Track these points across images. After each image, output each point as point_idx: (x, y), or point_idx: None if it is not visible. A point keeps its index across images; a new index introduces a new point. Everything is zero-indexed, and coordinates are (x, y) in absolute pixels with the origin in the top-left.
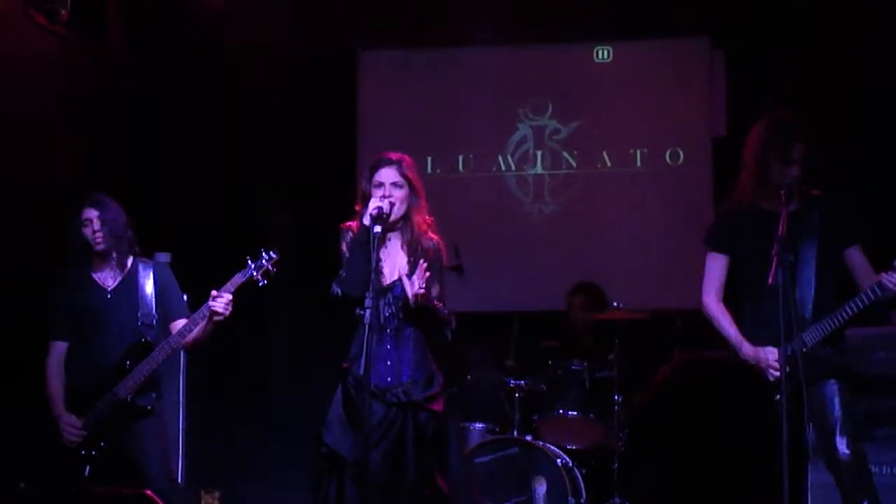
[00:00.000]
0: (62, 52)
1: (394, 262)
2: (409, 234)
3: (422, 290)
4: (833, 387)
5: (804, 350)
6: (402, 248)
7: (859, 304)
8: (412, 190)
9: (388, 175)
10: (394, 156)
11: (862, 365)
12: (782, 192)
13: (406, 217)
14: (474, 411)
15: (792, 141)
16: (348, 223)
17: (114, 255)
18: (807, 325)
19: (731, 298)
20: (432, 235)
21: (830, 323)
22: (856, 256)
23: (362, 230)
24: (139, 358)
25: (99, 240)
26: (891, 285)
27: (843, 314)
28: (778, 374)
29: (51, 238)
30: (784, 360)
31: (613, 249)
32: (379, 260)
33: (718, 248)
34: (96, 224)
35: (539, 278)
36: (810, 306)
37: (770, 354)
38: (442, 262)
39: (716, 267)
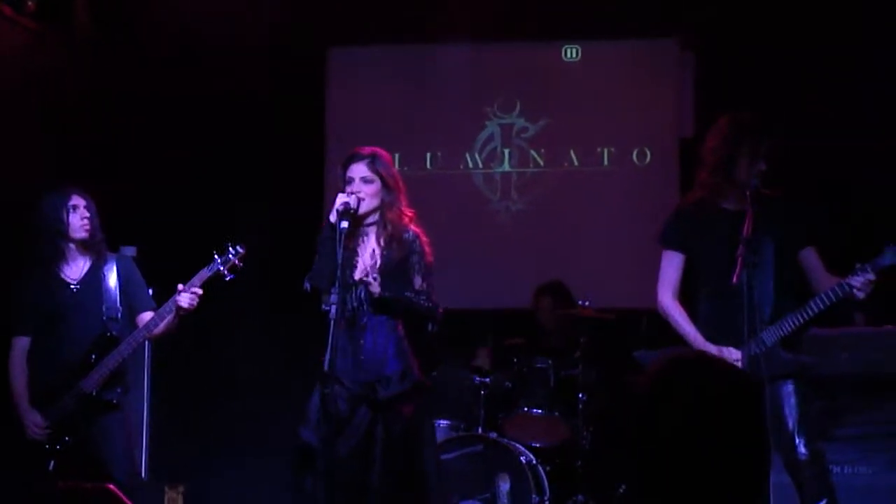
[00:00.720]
0: (30, 45)
1: (367, 256)
2: (383, 228)
3: (377, 290)
4: (789, 387)
5: (763, 350)
6: (376, 242)
7: (819, 304)
8: (385, 184)
9: (358, 170)
10: (365, 150)
11: (825, 365)
12: (748, 191)
13: (380, 211)
14: (439, 408)
15: (762, 138)
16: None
17: (88, 248)
18: (765, 325)
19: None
20: (413, 228)
21: (789, 323)
22: (811, 258)
23: (328, 225)
24: (104, 352)
25: (87, 226)
26: (855, 287)
27: (803, 315)
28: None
29: (9, 231)
30: (747, 360)
31: (580, 248)
32: (355, 255)
33: (674, 247)
34: (84, 211)
35: (505, 276)
36: (769, 307)
37: (732, 354)
38: (424, 254)
39: (672, 265)
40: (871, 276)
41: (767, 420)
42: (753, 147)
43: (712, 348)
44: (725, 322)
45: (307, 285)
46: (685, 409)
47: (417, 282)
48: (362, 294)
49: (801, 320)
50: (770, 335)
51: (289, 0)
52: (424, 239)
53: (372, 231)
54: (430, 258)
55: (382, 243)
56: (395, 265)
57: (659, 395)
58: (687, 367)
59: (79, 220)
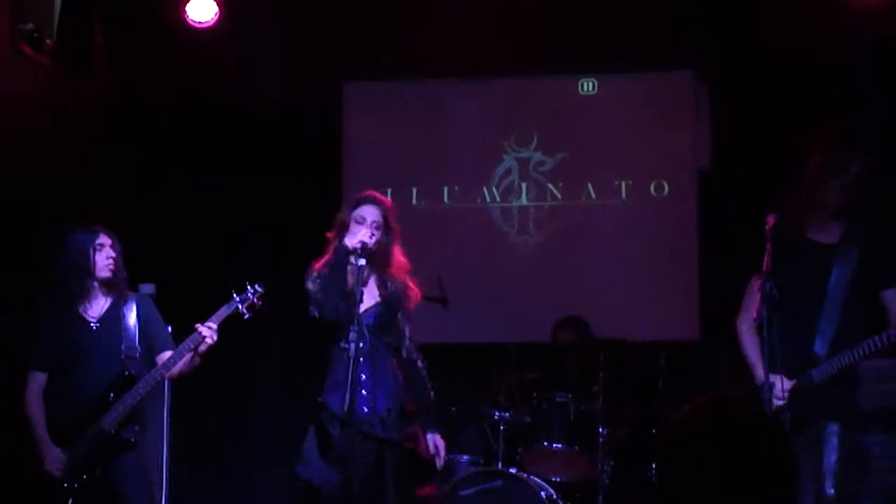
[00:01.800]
0: (48, 83)
1: (366, 292)
2: (383, 267)
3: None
4: (833, 427)
5: (810, 385)
6: (375, 280)
7: (871, 346)
8: (388, 233)
9: (372, 213)
10: (379, 197)
11: (863, 397)
12: (832, 213)
13: (381, 256)
14: (458, 443)
15: (852, 156)
16: (318, 265)
17: (110, 288)
18: (818, 361)
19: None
20: (404, 277)
21: (840, 361)
22: (892, 298)
23: (341, 252)
24: (122, 391)
25: (111, 265)
26: None
27: (854, 354)
28: (779, 402)
29: (34, 268)
30: (767, 391)
31: (598, 281)
32: (361, 292)
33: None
34: (110, 250)
35: (524, 310)
36: (828, 343)
37: (784, 384)
38: (412, 303)
39: (754, 292)
40: None
41: (797, 465)
42: (845, 163)
43: (761, 375)
44: (779, 350)
45: (315, 312)
46: (711, 451)
47: (407, 330)
48: (371, 321)
49: (852, 359)
50: (820, 372)
51: (304, 36)
52: (415, 287)
53: (373, 273)
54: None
55: (379, 284)
56: (393, 308)
57: (686, 437)
58: (716, 411)
59: (104, 259)
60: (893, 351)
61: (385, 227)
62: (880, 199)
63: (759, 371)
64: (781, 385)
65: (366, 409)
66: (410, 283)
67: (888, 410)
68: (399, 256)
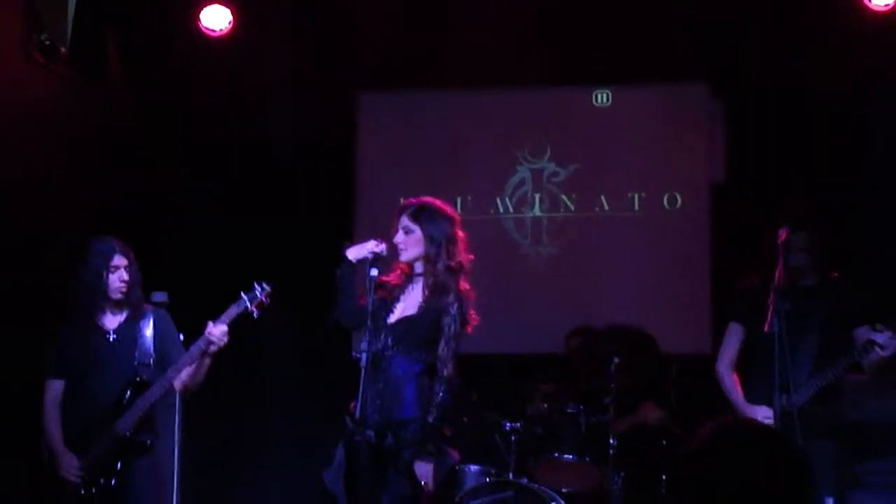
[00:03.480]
0: (63, 92)
1: (407, 301)
2: (429, 278)
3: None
4: (827, 444)
5: (798, 408)
6: (421, 291)
7: (843, 364)
8: (427, 235)
9: (401, 220)
10: (411, 201)
11: (855, 412)
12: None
13: (424, 262)
14: (470, 453)
15: (797, 230)
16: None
17: (124, 306)
18: (798, 388)
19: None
20: (463, 285)
21: (818, 381)
22: (861, 334)
23: (343, 264)
24: (136, 395)
25: (124, 289)
26: (877, 344)
27: (832, 373)
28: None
29: (48, 277)
30: (778, 413)
31: (610, 293)
32: (396, 301)
33: (738, 320)
34: (125, 274)
35: (536, 321)
36: (806, 372)
37: (759, 412)
38: (459, 320)
39: (733, 336)
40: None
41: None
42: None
43: (745, 408)
44: (758, 383)
45: (329, 323)
46: (735, 472)
47: (441, 346)
48: (390, 339)
49: (830, 378)
50: (800, 395)
51: (319, 45)
52: (469, 301)
53: (419, 281)
54: (468, 325)
55: (426, 294)
56: (428, 321)
57: (711, 456)
58: (738, 432)
59: (117, 281)
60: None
61: (420, 229)
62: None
63: (740, 402)
64: (770, 412)
65: (377, 418)
66: (463, 301)
67: (880, 425)
68: (448, 261)
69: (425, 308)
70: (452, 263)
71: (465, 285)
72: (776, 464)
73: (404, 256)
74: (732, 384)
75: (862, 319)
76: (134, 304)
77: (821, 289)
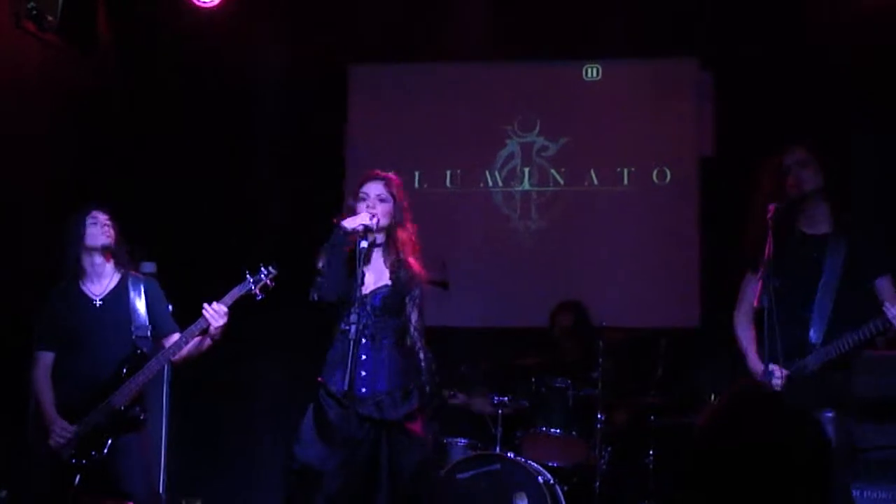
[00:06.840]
0: (52, 60)
1: (375, 272)
2: (393, 247)
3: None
4: (828, 415)
5: (805, 373)
6: (384, 260)
7: (865, 333)
8: (396, 207)
9: (374, 189)
10: (381, 173)
11: (856, 387)
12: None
13: (389, 231)
14: (456, 427)
15: (783, 151)
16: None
17: (111, 258)
18: (813, 350)
19: None
20: (413, 262)
21: (834, 349)
22: (884, 287)
23: (338, 233)
24: (134, 369)
25: (108, 232)
26: (891, 317)
27: (847, 342)
28: (777, 390)
29: (39, 244)
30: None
31: (599, 267)
32: (363, 273)
33: (753, 269)
34: (103, 219)
35: (524, 294)
36: (822, 331)
37: (774, 370)
38: (423, 290)
39: (749, 285)
40: None
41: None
42: (778, 158)
43: (754, 364)
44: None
45: (314, 296)
46: (743, 445)
47: (414, 317)
48: (377, 303)
49: (846, 347)
50: (814, 359)
51: (310, 18)
52: (421, 270)
53: (379, 250)
54: (426, 286)
55: (390, 265)
56: (399, 292)
57: (717, 431)
58: (746, 405)
59: (98, 229)
60: (891, 342)
61: (393, 200)
62: (866, 187)
63: (752, 359)
64: (780, 373)
65: (364, 390)
66: (416, 266)
67: (883, 402)
68: (409, 235)
69: (396, 278)
70: (416, 240)
71: (412, 239)
72: (796, 435)
73: (376, 226)
74: (745, 334)
75: (880, 269)
76: (121, 260)
77: (837, 235)
